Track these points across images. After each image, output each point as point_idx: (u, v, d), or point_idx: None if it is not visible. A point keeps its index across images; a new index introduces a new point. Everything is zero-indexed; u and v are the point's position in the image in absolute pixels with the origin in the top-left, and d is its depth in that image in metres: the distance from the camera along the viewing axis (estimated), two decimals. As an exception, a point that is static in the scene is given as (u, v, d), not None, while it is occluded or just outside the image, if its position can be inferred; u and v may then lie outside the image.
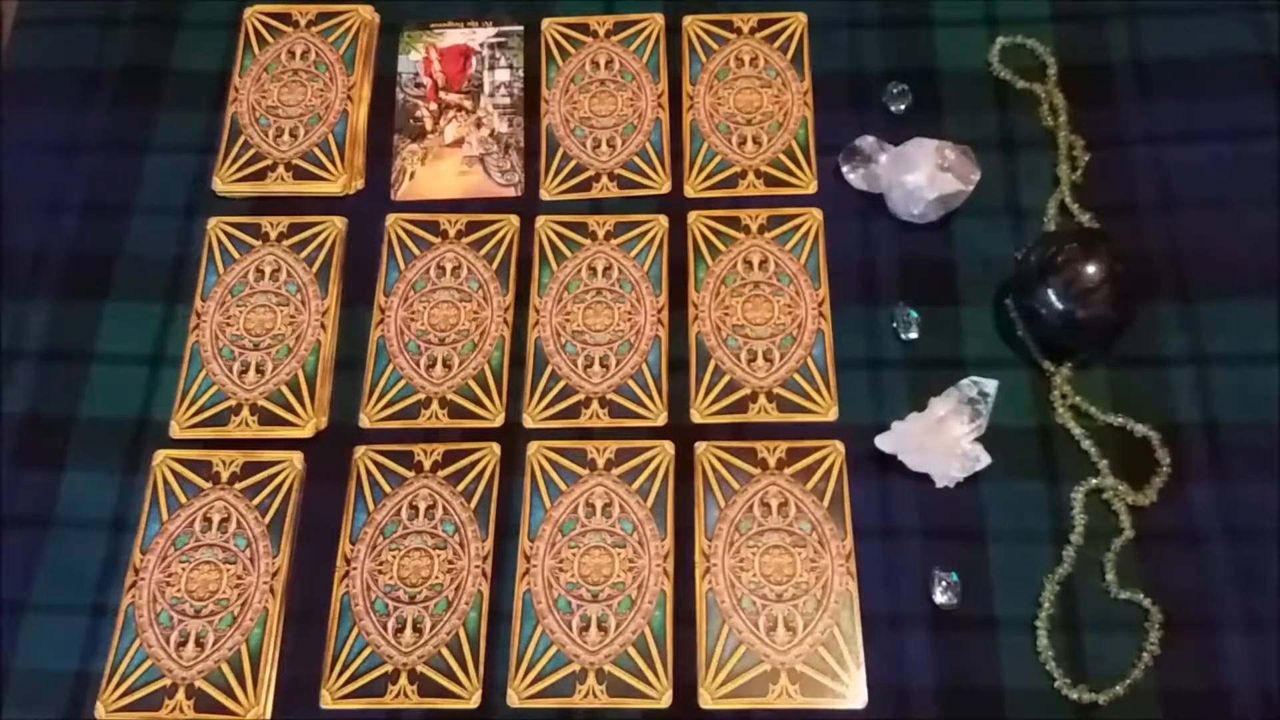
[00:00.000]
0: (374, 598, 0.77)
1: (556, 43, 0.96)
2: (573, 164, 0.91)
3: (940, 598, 0.75)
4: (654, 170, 0.91)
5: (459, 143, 0.93)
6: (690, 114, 0.92)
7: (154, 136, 0.93)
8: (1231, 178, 0.87)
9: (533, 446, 0.81)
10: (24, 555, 0.79)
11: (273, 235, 0.89)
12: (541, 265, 0.87)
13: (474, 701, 0.74)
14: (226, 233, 0.89)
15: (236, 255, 0.88)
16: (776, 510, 0.78)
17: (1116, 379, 0.81)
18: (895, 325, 0.84)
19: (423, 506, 0.80)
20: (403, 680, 0.75)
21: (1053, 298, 0.78)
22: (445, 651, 0.75)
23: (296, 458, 0.81)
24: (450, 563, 0.78)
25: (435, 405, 0.83)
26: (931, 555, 0.77)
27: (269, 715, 0.74)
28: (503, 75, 0.95)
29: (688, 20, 0.96)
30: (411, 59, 0.96)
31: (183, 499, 0.80)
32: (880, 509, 0.78)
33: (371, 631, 0.76)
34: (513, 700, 0.74)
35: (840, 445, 0.80)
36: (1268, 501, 0.77)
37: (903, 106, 0.91)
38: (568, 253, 0.88)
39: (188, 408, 0.83)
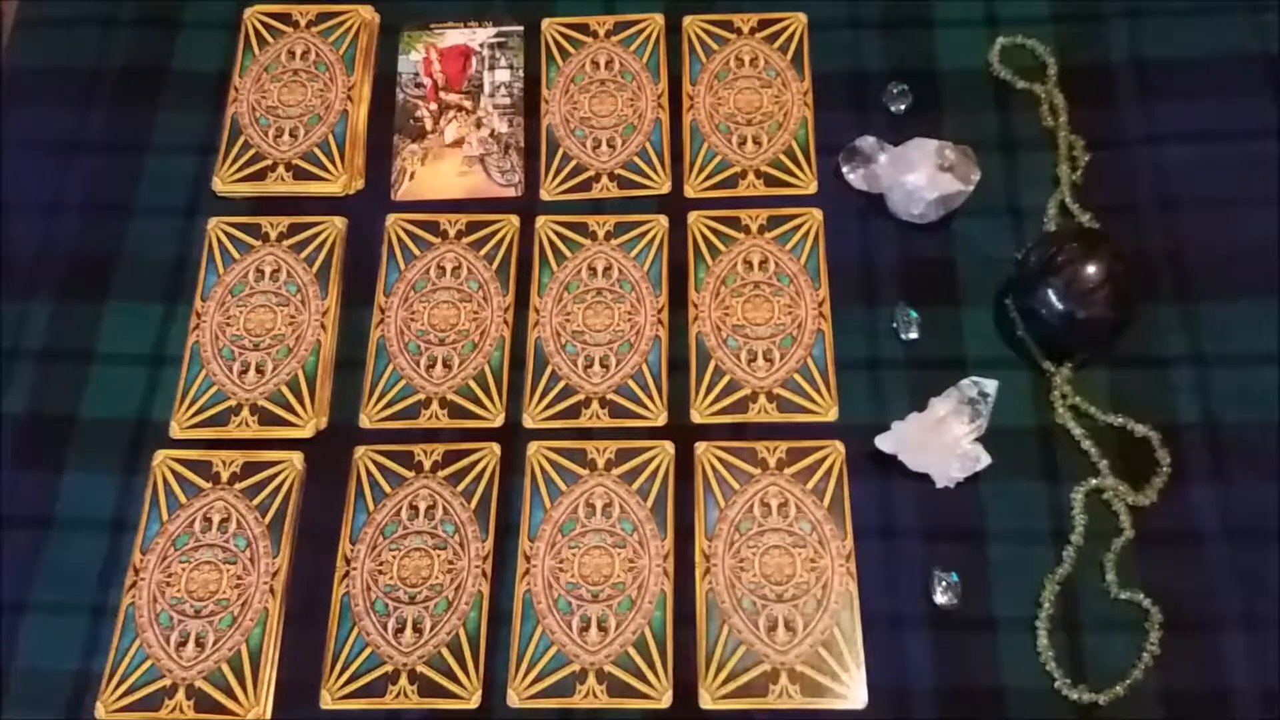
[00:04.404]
0: (374, 598, 0.77)
1: (556, 43, 0.96)
2: (573, 164, 0.91)
3: (940, 598, 0.75)
4: (654, 170, 0.90)
5: (459, 143, 0.93)
6: (690, 114, 0.92)
7: (154, 136, 0.93)
8: (1231, 178, 0.87)
9: (533, 447, 0.81)
10: (24, 555, 0.79)
11: (273, 235, 0.89)
12: (541, 265, 0.87)
13: (474, 702, 0.74)
14: (226, 233, 0.89)
15: (236, 255, 0.88)
16: (776, 510, 0.78)
17: (1116, 379, 0.81)
18: (895, 325, 0.84)
19: (423, 506, 0.80)
20: (403, 680, 0.75)
21: (1053, 298, 0.78)
22: (445, 652, 0.75)
23: (296, 458, 0.81)
24: (450, 563, 0.78)
25: (435, 405, 0.83)
26: (931, 555, 0.76)
27: (269, 715, 0.74)
28: (503, 75, 0.95)
29: (688, 20, 0.96)
30: (411, 59, 0.96)
31: (183, 499, 0.80)
32: (880, 509, 0.78)
33: (371, 632, 0.76)
34: (513, 700, 0.74)
35: (840, 445, 0.80)
36: (1268, 501, 0.77)
37: (903, 106, 0.91)
38: (568, 253, 0.88)
39: (188, 408, 0.83)
